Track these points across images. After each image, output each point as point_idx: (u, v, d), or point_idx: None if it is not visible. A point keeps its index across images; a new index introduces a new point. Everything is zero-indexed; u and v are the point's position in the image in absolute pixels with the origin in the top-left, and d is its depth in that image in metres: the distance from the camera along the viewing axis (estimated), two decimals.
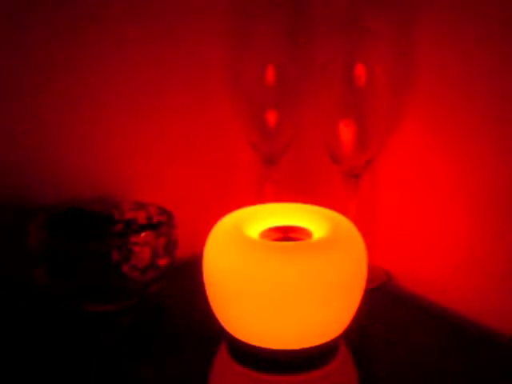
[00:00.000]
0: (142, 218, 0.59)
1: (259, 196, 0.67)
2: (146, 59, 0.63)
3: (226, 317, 0.47)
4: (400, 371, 0.46)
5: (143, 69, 0.63)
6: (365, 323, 0.49)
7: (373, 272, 0.55)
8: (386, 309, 0.56)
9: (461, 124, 0.54)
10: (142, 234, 0.51)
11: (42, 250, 0.51)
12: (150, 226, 0.57)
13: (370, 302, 0.49)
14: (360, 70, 0.54)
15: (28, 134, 0.59)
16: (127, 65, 0.62)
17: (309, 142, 0.70)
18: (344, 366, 0.47)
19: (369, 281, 0.48)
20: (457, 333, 0.52)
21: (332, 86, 0.57)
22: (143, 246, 0.51)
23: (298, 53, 0.64)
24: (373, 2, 0.57)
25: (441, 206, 0.57)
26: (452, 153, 0.55)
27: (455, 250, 0.56)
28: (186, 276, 0.56)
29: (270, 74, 0.62)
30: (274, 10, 0.64)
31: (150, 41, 0.63)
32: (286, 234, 0.50)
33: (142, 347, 0.50)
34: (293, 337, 0.45)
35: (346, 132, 0.57)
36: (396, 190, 0.62)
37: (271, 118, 0.64)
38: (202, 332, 0.51)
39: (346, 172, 0.59)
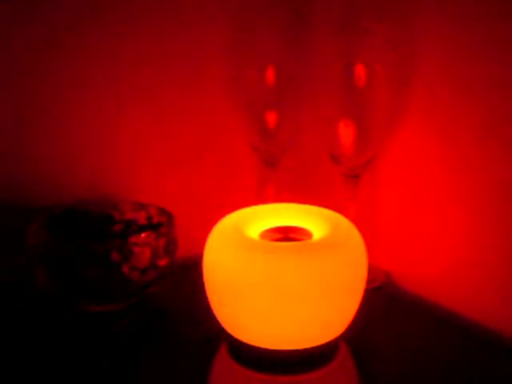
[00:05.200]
0: (142, 218, 0.59)
1: (259, 196, 0.67)
2: (146, 60, 0.63)
3: (225, 317, 0.47)
4: (400, 371, 0.46)
5: (143, 69, 0.63)
6: (365, 323, 0.49)
7: (373, 272, 0.54)
8: (386, 309, 0.56)
9: (461, 124, 0.54)
10: (142, 235, 0.51)
11: (42, 250, 0.51)
12: (150, 226, 0.57)
13: (370, 302, 0.49)
14: (360, 70, 0.54)
15: (28, 134, 0.59)
16: (127, 65, 0.62)
17: (309, 142, 0.70)
18: (344, 365, 0.47)
19: (369, 281, 0.48)
20: (457, 333, 0.52)
21: (332, 86, 0.57)
22: (143, 246, 0.51)
23: (298, 53, 0.63)
24: (373, 2, 0.57)
25: (441, 206, 0.57)
26: (452, 153, 0.55)
27: (455, 250, 0.56)
28: (186, 276, 0.56)
29: (270, 75, 0.62)
30: (273, 10, 0.64)
31: (150, 41, 0.63)
32: (286, 234, 0.50)
33: (142, 347, 0.50)
34: (293, 337, 0.45)
35: (346, 132, 0.57)
36: (396, 190, 0.62)
37: (271, 118, 0.64)
38: (202, 332, 0.51)
39: (346, 172, 0.59)
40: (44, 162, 0.60)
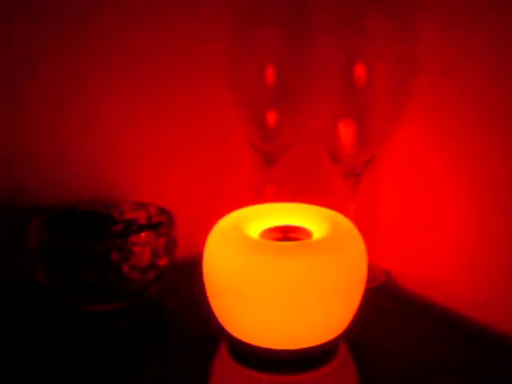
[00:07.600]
0: (142, 218, 0.59)
1: (259, 196, 0.67)
2: (146, 59, 0.63)
3: (226, 317, 0.47)
4: (400, 371, 0.46)
5: (142, 69, 0.63)
6: (365, 323, 0.49)
7: (373, 272, 0.54)
8: (385, 308, 0.56)
9: (461, 123, 0.54)
10: (142, 234, 0.51)
11: (41, 250, 0.51)
12: (150, 226, 0.57)
13: (370, 301, 0.49)
14: (360, 70, 0.54)
15: (28, 134, 0.59)
16: (127, 65, 0.62)
17: (309, 142, 0.70)
18: (344, 365, 0.47)
19: (369, 280, 0.48)
20: (457, 332, 0.52)
21: (332, 86, 0.57)
22: (143, 246, 0.51)
23: (298, 53, 0.63)
24: (373, 2, 0.57)
25: (441, 205, 0.57)
26: (452, 152, 0.55)
27: (455, 249, 0.56)
28: (186, 276, 0.56)
29: (270, 74, 0.62)
30: (273, 10, 0.64)
31: (150, 41, 0.63)
32: (286, 233, 0.50)
33: (142, 347, 0.50)
34: (293, 337, 0.45)
35: (346, 132, 0.57)
36: (396, 189, 0.62)
37: (271, 118, 0.64)
38: (202, 332, 0.51)
39: (346, 172, 0.59)
40: (44, 162, 0.60)
